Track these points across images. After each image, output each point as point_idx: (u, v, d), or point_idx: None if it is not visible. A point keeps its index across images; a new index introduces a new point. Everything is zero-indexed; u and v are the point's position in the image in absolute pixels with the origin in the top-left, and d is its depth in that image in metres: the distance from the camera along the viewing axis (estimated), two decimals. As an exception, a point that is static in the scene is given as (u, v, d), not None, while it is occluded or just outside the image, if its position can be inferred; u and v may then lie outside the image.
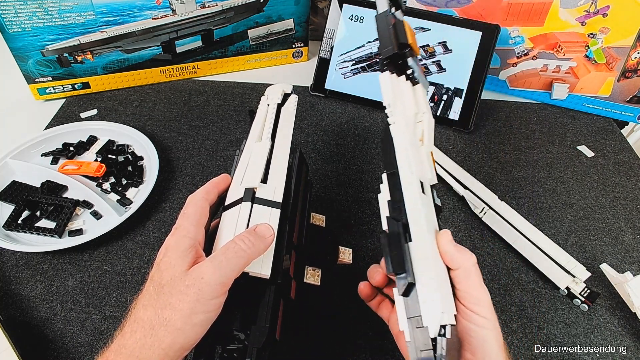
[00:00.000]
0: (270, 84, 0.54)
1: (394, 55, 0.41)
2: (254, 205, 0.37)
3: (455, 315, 0.31)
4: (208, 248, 0.36)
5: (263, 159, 0.42)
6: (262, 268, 0.34)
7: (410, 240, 0.33)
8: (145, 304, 0.31)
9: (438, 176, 0.64)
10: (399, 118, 0.39)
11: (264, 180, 0.40)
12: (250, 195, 0.38)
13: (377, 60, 0.76)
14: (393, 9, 0.44)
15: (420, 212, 0.34)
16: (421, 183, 0.36)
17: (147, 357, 0.30)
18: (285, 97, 0.52)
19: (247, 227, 0.35)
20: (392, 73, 0.41)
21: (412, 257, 0.32)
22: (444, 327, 0.30)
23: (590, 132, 0.76)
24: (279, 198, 0.39)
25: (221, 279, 0.31)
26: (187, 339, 0.30)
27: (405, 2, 0.79)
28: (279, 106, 0.50)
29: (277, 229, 0.37)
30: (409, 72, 0.41)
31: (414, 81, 0.41)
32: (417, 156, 0.37)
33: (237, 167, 0.42)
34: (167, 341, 0.30)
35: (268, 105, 0.50)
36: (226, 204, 0.39)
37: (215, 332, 0.32)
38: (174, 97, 0.78)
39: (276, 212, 0.38)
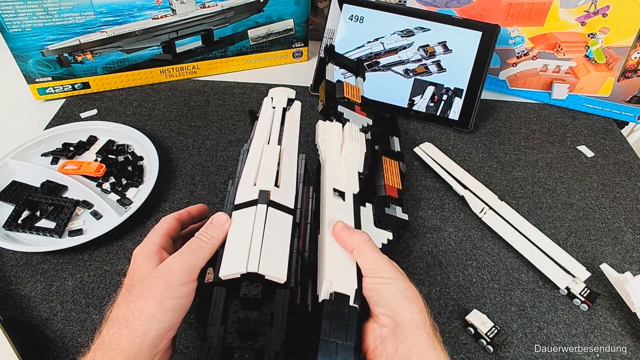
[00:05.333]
0: (270, 84, 0.54)
1: (324, 109, 0.57)
2: (269, 208, 0.37)
3: (361, 288, 0.37)
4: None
5: (274, 162, 0.42)
6: (279, 272, 0.34)
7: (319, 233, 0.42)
8: (119, 303, 0.34)
9: (438, 176, 0.65)
10: (327, 148, 0.50)
11: (276, 184, 0.40)
12: (265, 198, 0.38)
13: (378, 60, 0.76)
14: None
15: (326, 212, 0.42)
16: (342, 192, 0.45)
17: (124, 348, 0.31)
18: (289, 102, 0.52)
19: (264, 231, 0.36)
20: (325, 120, 0.54)
21: (321, 245, 0.40)
22: (336, 294, 0.35)
23: (590, 132, 0.76)
24: (291, 204, 0.39)
25: (187, 266, 0.34)
26: (161, 325, 0.32)
27: (405, 1, 0.79)
28: (284, 110, 0.50)
29: (290, 236, 0.37)
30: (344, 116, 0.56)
31: (343, 121, 0.54)
32: (338, 172, 0.47)
33: (245, 167, 0.42)
34: (142, 329, 0.32)
35: (274, 107, 0.50)
36: (236, 203, 0.39)
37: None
38: (174, 97, 0.78)
39: (289, 218, 0.38)
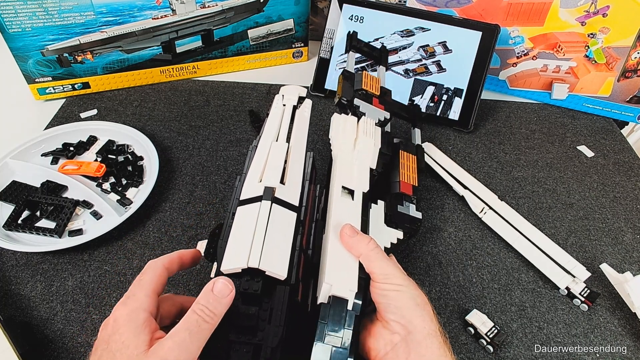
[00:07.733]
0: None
1: (339, 102, 0.54)
2: (273, 205, 0.38)
3: (363, 292, 0.37)
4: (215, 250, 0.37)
5: (282, 159, 0.42)
6: (280, 269, 0.34)
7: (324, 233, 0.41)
8: None
9: (438, 176, 0.64)
10: (340, 143, 0.49)
11: (281, 181, 0.40)
12: (270, 195, 0.38)
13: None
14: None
15: (332, 211, 0.41)
16: (352, 191, 0.44)
17: None
18: (300, 100, 0.52)
19: (267, 227, 0.35)
20: (340, 113, 0.53)
21: (325, 246, 0.40)
22: (334, 297, 0.35)
23: (590, 132, 0.76)
24: (295, 201, 0.39)
25: (187, 356, 0.29)
26: None
27: (404, 1, 0.79)
28: (294, 108, 0.50)
29: (293, 233, 0.37)
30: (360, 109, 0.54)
31: (359, 115, 0.53)
32: (349, 169, 0.46)
33: (252, 163, 0.42)
34: None
35: (284, 105, 0.50)
36: (241, 198, 0.39)
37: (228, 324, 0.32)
38: (174, 97, 0.78)
39: (292, 215, 0.38)
